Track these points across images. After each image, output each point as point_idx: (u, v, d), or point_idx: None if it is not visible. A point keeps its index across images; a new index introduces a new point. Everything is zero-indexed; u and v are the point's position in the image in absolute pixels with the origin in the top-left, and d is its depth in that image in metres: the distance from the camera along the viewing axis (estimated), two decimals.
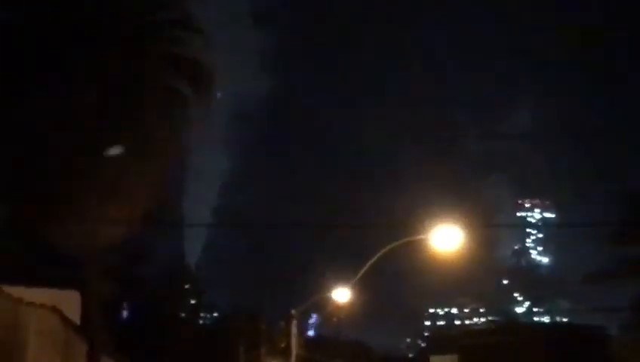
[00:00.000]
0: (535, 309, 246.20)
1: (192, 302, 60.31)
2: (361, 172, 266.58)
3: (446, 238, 25.94)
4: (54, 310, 20.97)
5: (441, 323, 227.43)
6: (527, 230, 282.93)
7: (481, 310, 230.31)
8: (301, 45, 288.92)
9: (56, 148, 18.10)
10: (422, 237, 26.73)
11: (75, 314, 23.29)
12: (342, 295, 36.81)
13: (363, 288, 36.69)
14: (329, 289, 38.10)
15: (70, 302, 23.56)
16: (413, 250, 29.94)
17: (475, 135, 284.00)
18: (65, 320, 21.61)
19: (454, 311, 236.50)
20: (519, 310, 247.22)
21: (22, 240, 24.59)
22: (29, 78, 18.17)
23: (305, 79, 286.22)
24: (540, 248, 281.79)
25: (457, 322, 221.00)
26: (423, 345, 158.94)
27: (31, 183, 18.42)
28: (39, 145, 18.12)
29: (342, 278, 36.97)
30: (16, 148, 18.26)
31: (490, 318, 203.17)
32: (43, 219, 18.98)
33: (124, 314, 42.95)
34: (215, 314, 69.39)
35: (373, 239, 31.81)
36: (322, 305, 43.41)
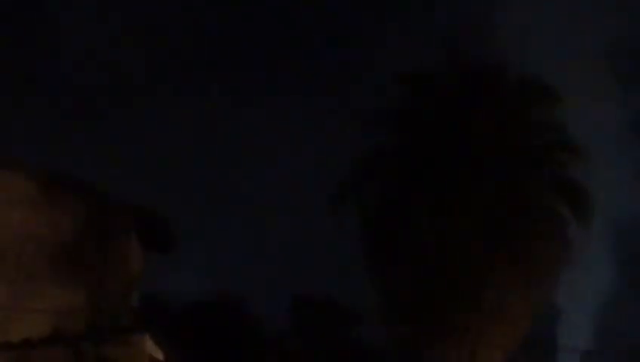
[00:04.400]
0: None
1: None
2: None
3: None
4: None
5: None
6: None
7: None
8: None
9: (442, 272, 18.54)
10: None
11: None
12: None
13: None
14: None
15: None
16: None
17: None
18: None
19: None
20: None
21: None
22: (414, 202, 18.89)
23: None
24: None
25: None
26: None
27: (420, 306, 18.96)
28: (426, 269, 18.66)
29: None
30: (405, 271, 18.93)
31: None
32: (430, 342, 19.39)
33: None
34: None
35: None
36: None
